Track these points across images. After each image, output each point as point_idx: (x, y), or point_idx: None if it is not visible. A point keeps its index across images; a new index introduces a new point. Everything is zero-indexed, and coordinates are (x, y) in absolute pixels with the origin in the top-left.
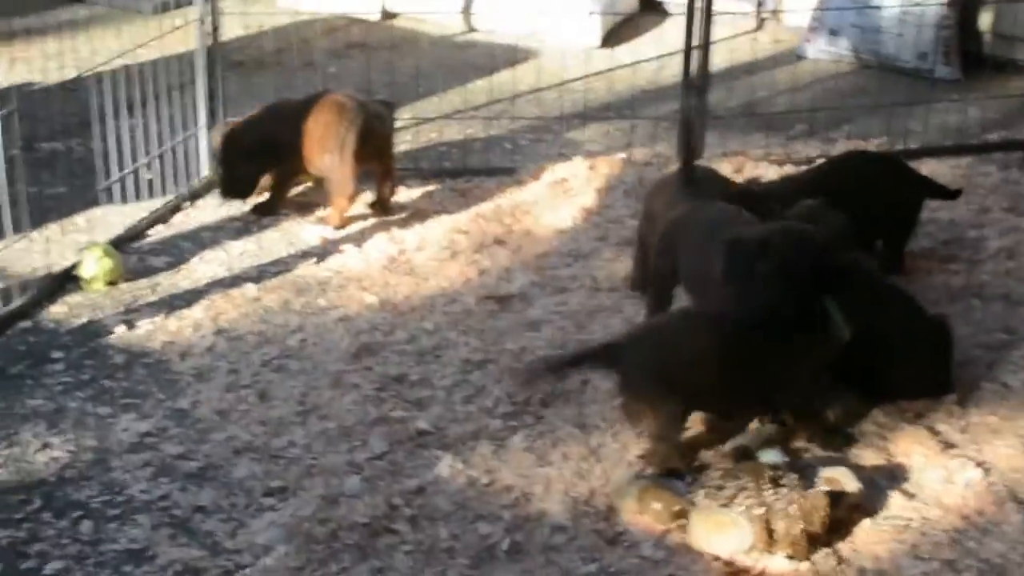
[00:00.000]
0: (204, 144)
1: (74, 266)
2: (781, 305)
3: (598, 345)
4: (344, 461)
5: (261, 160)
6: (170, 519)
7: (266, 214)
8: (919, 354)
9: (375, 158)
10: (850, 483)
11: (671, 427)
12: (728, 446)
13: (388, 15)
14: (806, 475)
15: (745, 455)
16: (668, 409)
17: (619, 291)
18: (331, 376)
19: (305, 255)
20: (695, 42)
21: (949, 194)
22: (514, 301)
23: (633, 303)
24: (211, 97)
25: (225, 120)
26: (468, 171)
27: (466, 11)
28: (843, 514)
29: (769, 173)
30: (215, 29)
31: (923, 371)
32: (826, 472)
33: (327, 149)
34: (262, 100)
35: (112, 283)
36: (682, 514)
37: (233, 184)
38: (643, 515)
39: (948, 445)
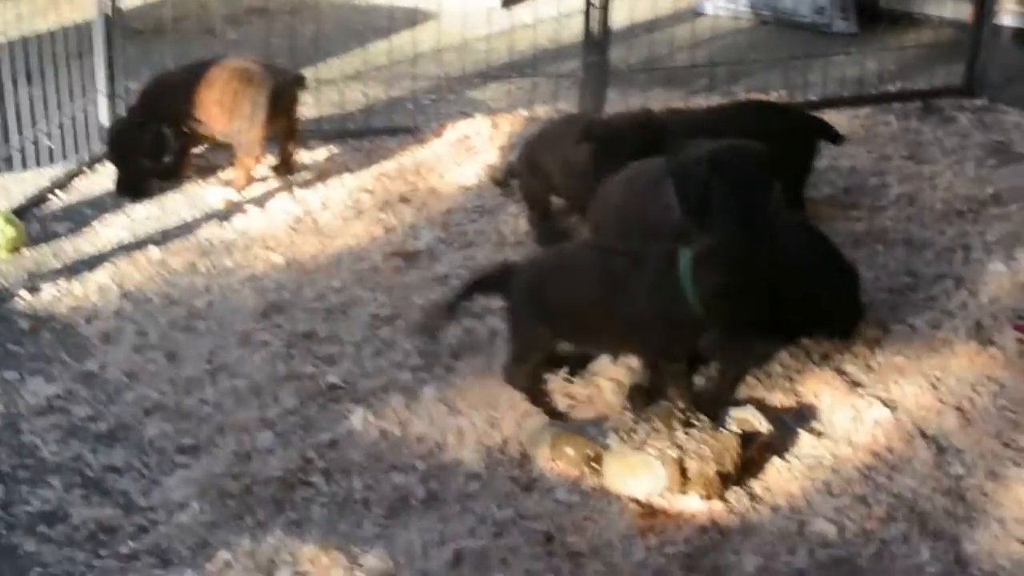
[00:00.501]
0: (104, 111)
1: None
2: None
3: (486, 271)
4: (255, 417)
5: (154, 152)
6: (82, 479)
7: (168, 179)
8: (837, 288)
9: (282, 121)
10: (760, 423)
11: (529, 350)
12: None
13: None
14: (716, 416)
15: (646, 394)
16: (531, 333)
17: (525, 244)
18: (239, 335)
19: (209, 217)
20: (595, 1)
21: (836, 136)
22: (421, 257)
23: None
24: (109, 64)
25: (124, 90)
26: (371, 131)
27: None
28: (754, 454)
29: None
30: None
31: (839, 305)
32: (736, 413)
33: (238, 115)
34: (162, 67)
35: (15, 250)
36: (596, 458)
37: (129, 183)
38: (557, 461)
39: (855, 385)
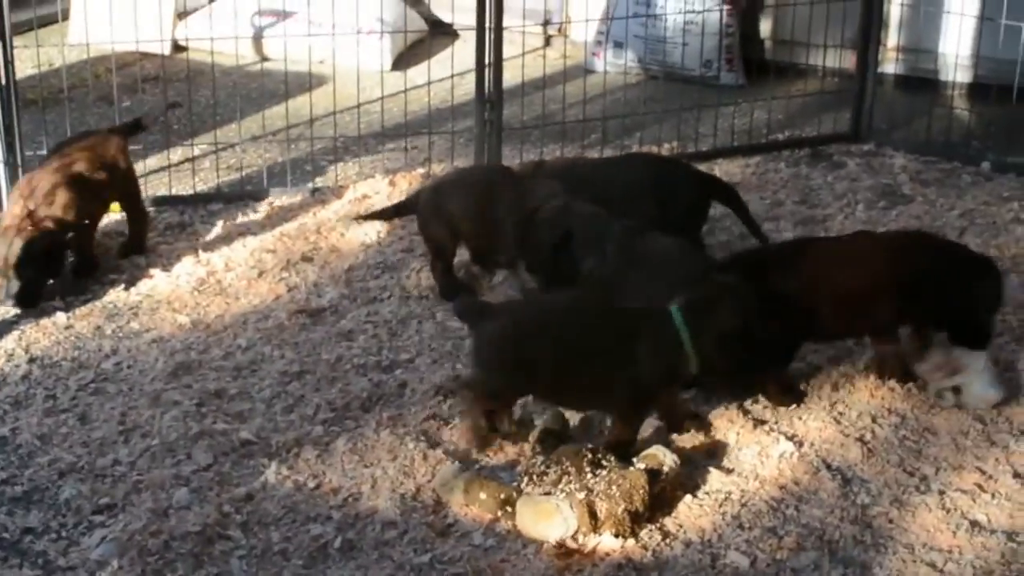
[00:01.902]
0: (3, 180)
1: None
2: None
3: (462, 306)
4: (171, 475)
5: (56, 261)
6: (0, 543)
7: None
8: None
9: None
10: (666, 458)
11: (492, 395)
12: (535, 433)
13: (179, 48)
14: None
15: (556, 438)
16: (500, 381)
17: (429, 298)
18: (149, 395)
19: (113, 282)
20: (487, 60)
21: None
22: (326, 314)
23: (444, 310)
24: (7, 132)
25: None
26: (271, 193)
27: (256, 40)
28: (663, 490)
29: None
30: (8, 64)
31: None
32: (645, 450)
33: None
34: (57, 136)
35: None
36: (509, 502)
37: (28, 292)
38: (471, 506)
39: (760, 422)
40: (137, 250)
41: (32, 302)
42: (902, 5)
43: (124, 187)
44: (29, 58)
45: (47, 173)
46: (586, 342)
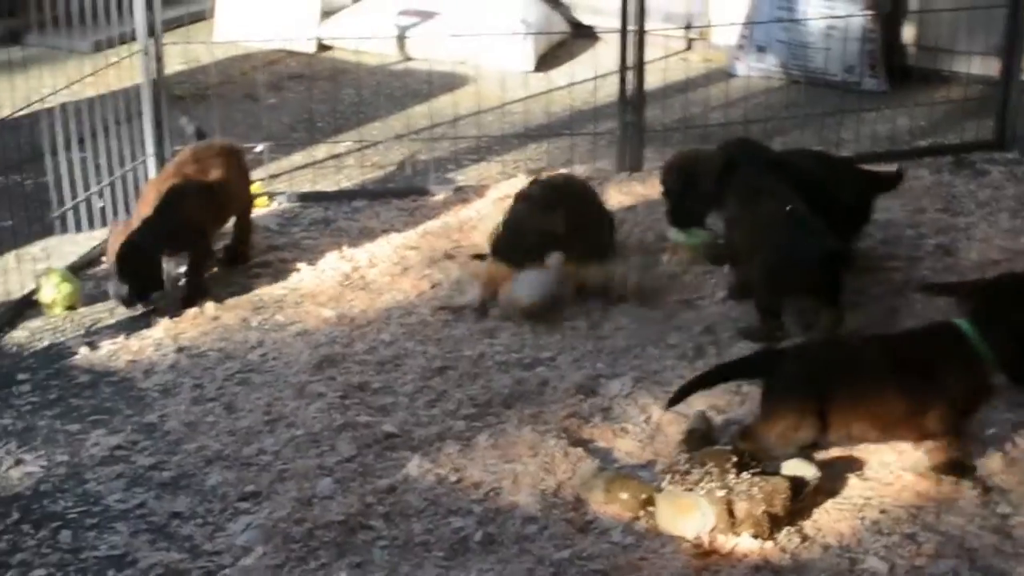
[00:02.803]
0: (152, 172)
1: (33, 292)
2: None
3: (746, 359)
4: (315, 465)
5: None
6: (148, 525)
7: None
8: None
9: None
10: (810, 471)
11: (791, 440)
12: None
13: (323, 47)
14: (771, 463)
15: (702, 439)
16: (798, 426)
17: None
18: (295, 387)
19: (259, 276)
20: (629, 62)
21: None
22: (468, 311)
23: (584, 311)
24: (157, 126)
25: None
26: (414, 191)
27: (400, 40)
28: (804, 502)
29: None
30: (159, 60)
31: None
32: (789, 461)
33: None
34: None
35: (71, 307)
36: (649, 501)
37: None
38: (611, 504)
39: None
40: (243, 259)
41: (129, 302)
42: None
43: (240, 200)
44: (177, 54)
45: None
46: (890, 376)
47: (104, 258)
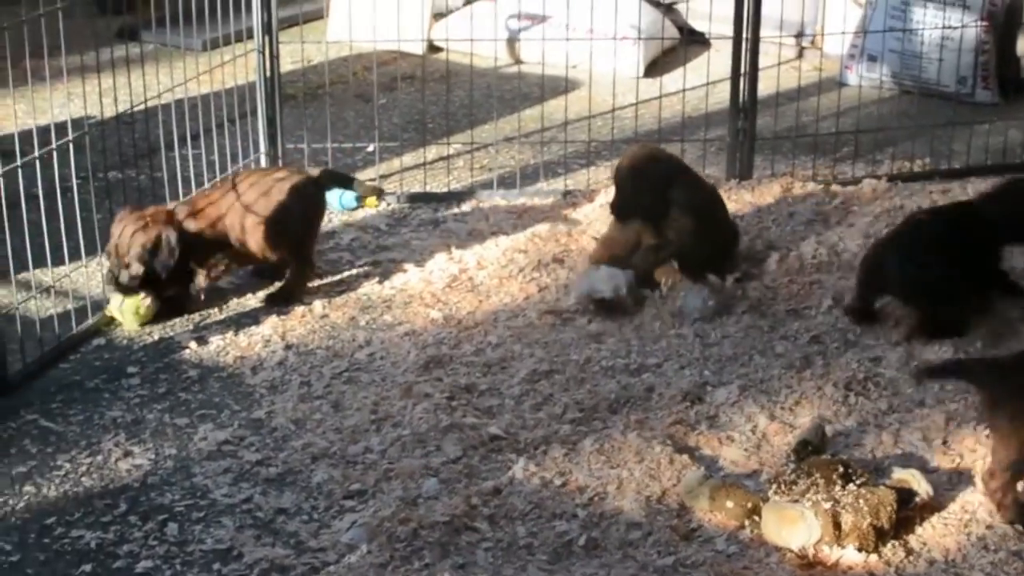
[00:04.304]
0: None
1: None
2: None
3: (966, 361)
4: (420, 465)
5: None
6: (253, 521)
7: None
8: None
9: None
10: (921, 485)
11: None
12: (793, 441)
13: (434, 48)
14: (877, 474)
15: (812, 450)
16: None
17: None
18: (401, 387)
19: (368, 275)
20: (742, 69)
21: None
22: (575, 315)
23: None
24: (270, 124)
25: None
26: (523, 194)
27: (511, 42)
28: (911, 513)
29: (817, 192)
30: (274, 58)
31: None
32: (898, 473)
33: None
34: (314, 131)
35: (148, 321)
36: (755, 510)
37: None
38: (716, 512)
39: None
40: (285, 300)
41: (124, 289)
42: None
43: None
44: (290, 54)
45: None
46: None
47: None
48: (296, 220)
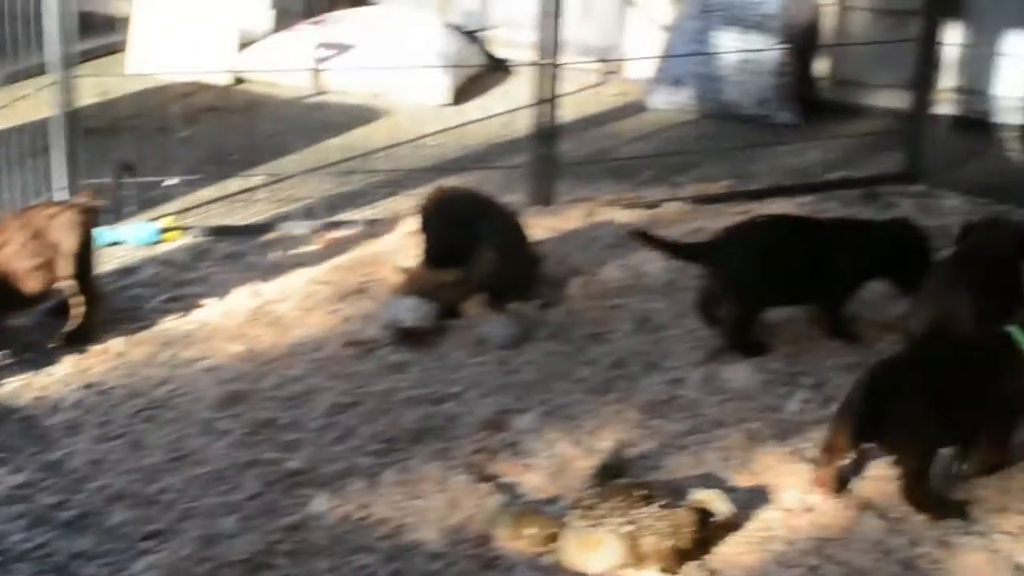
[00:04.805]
0: None
1: None
2: None
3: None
4: (220, 503)
5: None
6: (50, 566)
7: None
8: None
9: None
10: (721, 505)
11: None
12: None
13: (238, 80)
14: (677, 496)
15: (612, 474)
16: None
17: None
18: (201, 423)
19: (168, 311)
20: (543, 95)
21: None
22: (377, 346)
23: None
24: (70, 159)
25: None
26: (326, 225)
27: (316, 73)
28: (712, 533)
29: (620, 216)
30: (72, 92)
31: None
32: (696, 494)
33: None
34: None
35: None
36: (556, 537)
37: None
38: (517, 541)
39: (808, 461)
40: (83, 338)
41: None
42: (958, 46)
43: (69, 266)
44: (90, 87)
45: None
46: (961, 380)
47: None
48: (66, 255)
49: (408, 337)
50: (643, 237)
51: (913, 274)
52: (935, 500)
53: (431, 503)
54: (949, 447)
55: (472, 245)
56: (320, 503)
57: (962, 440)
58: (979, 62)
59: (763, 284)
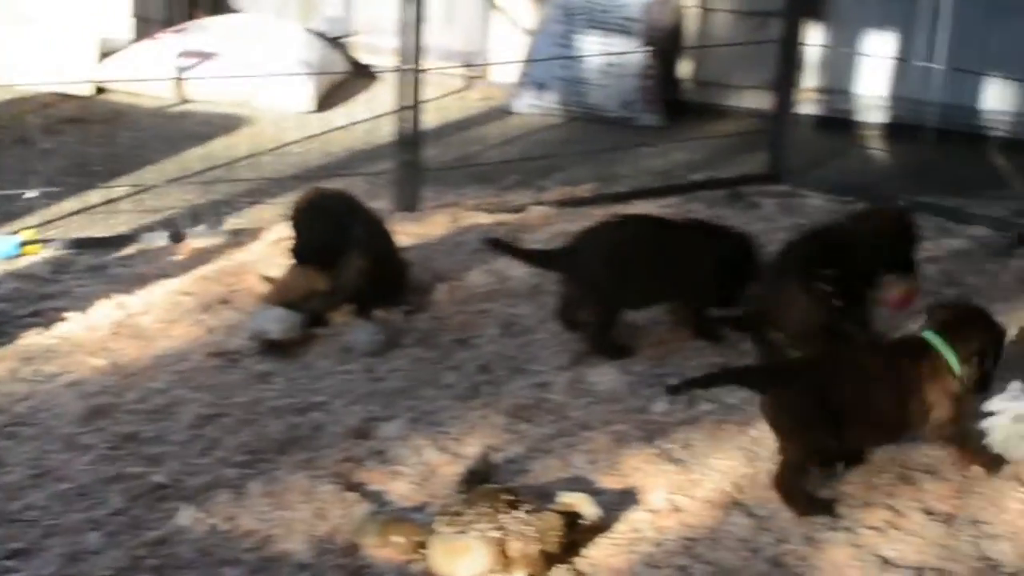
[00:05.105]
0: None
1: None
2: None
3: (746, 367)
4: (84, 519)
5: None
6: None
7: None
8: None
9: None
10: (588, 508)
11: (812, 457)
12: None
13: (100, 90)
14: (545, 499)
15: (479, 480)
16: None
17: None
18: (64, 439)
19: (29, 326)
20: (407, 102)
21: None
22: (242, 357)
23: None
24: None
25: None
26: (190, 235)
27: (178, 82)
28: (580, 536)
29: (484, 221)
30: None
31: None
32: (564, 497)
33: None
34: None
35: None
36: (423, 544)
37: None
38: (385, 549)
39: (676, 461)
40: None
41: None
42: (819, 47)
43: None
44: None
45: None
46: (880, 385)
47: None
48: None
49: (274, 349)
50: (499, 245)
51: (736, 282)
52: (804, 496)
53: (298, 513)
54: (841, 460)
55: (342, 246)
56: (186, 516)
57: (855, 451)
58: (840, 62)
59: (617, 287)
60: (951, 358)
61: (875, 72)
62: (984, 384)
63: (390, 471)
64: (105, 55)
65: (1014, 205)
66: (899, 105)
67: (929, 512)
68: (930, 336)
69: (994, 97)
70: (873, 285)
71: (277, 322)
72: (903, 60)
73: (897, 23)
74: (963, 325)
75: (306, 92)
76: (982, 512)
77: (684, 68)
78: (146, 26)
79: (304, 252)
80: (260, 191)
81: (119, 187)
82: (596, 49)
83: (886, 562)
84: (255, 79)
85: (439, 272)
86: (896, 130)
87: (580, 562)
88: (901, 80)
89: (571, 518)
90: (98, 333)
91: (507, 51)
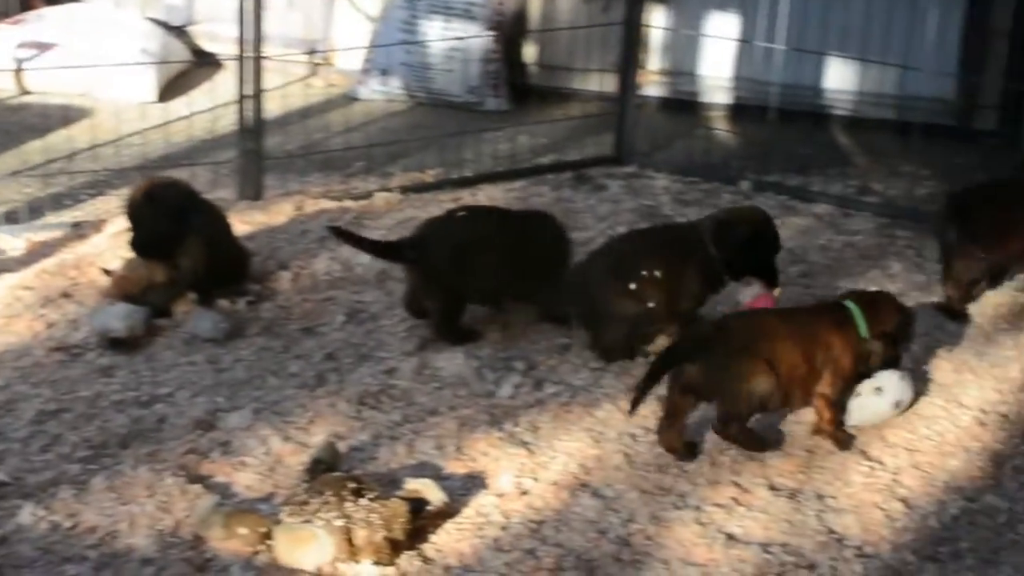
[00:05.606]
0: None
1: None
2: None
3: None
4: None
5: None
6: None
7: None
8: None
9: None
10: (434, 494)
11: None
12: (307, 461)
13: None
14: (391, 486)
15: (324, 468)
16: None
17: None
18: None
19: None
20: (248, 91)
21: None
22: (84, 350)
23: (205, 343)
24: None
25: None
26: (30, 228)
27: (17, 73)
28: (426, 522)
29: (329, 208)
30: None
31: None
32: (410, 484)
33: None
34: None
35: None
36: (268, 534)
37: None
38: (230, 541)
39: (523, 444)
40: None
41: None
42: (663, 29)
43: None
44: None
45: None
46: (804, 343)
47: None
48: None
49: (119, 346)
50: (342, 235)
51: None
52: (756, 438)
53: (142, 508)
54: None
55: (180, 235)
56: (27, 514)
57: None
58: (684, 44)
59: (461, 279)
60: (862, 324)
61: (718, 53)
62: (892, 364)
63: (235, 462)
64: None
65: (856, 182)
66: (742, 85)
67: (774, 488)
68: (848, 303)
69: (835, 76)
70: (715, 288)
71: (121, 319)
72: (745, 41)
73: (739, 4)
74: (877, 305)
75: (147, 82)
76: (827, 486)
77: (529, 52)
78: None
79: (142, 244)
80: (101, 183)
81: None
82: (440, 34)
83: (732, 538)
84: (96, 69)
85: (283, 260)
86: (740, 110)
87: (427, 548)
88: (744, 61)
89: (417, 504)
90: None
91: (351, 37)
